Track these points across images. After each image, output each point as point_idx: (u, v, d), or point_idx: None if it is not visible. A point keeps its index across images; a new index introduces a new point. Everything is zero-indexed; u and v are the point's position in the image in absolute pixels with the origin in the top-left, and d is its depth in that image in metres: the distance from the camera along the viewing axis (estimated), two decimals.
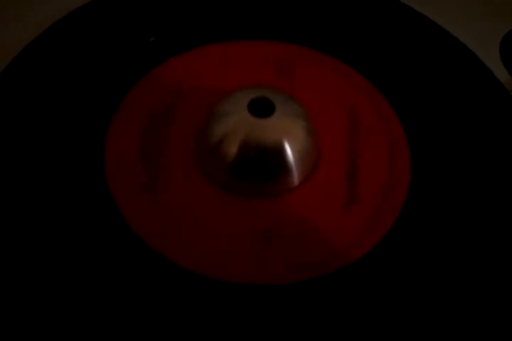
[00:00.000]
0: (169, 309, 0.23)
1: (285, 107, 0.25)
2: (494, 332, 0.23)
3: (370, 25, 0.30)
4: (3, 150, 0.26)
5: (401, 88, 0.28)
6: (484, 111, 0.28)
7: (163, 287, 0.24)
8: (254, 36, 0.29)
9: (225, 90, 0.26)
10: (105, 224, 0.24)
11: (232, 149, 0.25)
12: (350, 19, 0.30)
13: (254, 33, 0.29)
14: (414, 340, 0.23)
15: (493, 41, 0.30)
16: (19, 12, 0.30)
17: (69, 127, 0.26)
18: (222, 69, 0.28)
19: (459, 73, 0.29)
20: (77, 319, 0.23)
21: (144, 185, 0.25)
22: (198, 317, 0.23)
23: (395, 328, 0.23)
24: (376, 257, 0.24)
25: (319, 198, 0.25)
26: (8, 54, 0.28)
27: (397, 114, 0.27)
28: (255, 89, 0.25)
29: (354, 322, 0.23)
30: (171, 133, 0.26)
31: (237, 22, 0.30)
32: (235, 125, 0.25)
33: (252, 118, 0.24)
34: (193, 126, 0.26)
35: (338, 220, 0.25)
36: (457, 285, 0.24)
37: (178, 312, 0.23)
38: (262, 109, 0.25)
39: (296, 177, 0.25)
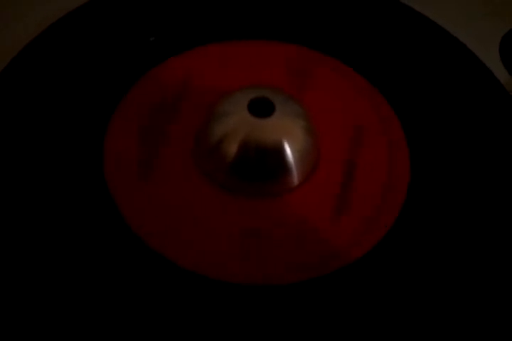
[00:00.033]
0: (169, 309, 0.23)
1: (285, 107, 0.25)
2: (494, 332, 0.23)
3: (370, 25, 0.30)
4: (3, 150, 0.26)
5: (401, 88, 0.28)
6: (484, 111, 0.28)
7: (163, 287, 0.24)
8: (254, 36, 0.29)
9: (225, 90, 0.26)
10: (105, 224, 0.24)
11: (232, 149, 0.25)
12: (350, 19, 0.30)
13: (254, 32, 0.29)
14: (414, 340, 0.23)
15: (493, 41, 0.30)
16: (19, 12, 0.30)
17: (68, 127, 0.26)
18: (222, 69, 0.28)
19: (459, 73, 0.29)
20: (77, 319, 0.23)
21: (144, 185, 0.25)
22: (198, 317, 0.23)
23: (394, 328, 0.23)
24: (376, 257, 0.24)
25: (319, 198, 0.25)
26: (7, 54, 0.28)
27: (396, 114, 0.27)
28: (255, 89, 0.25)
29: (354, 322, 0.23)
30: (170, 132, 0.26)
31: (236, 22, 0.30)
32: (235, 125, 0.25)
33: (252, 118, 0.24)
34: (193, 126, 0.26)
35: (338, 220, 0.25)
36: (457, 285, 0.24)
37: (178, 312, 0.23)
38: (261, 109, 0.25)
39: (295, 177, 0.25)
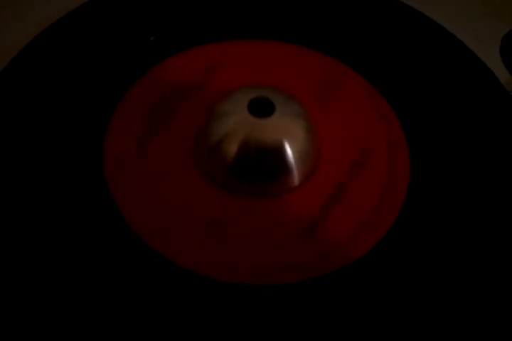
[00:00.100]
0: (169, 309, 0.23)
1: (285, 107, 0.25)
2: (494, 332, 0.23)
3: (371, 25, 0.30)
4: (3, 150, 0.26)
5: (401, 88, 0.28)
6: (484, 112, 0.28)
7: (163, 287, 0.24)
8: (253, 36, 0.29)
9: (225, 90, 0.26)
10: (105, 224, 0.24)
11: (232, 149, 0.25)
12: (350, 19, 0.30)
13: (254, 32, 0.29)
14: (414, 340, 0.23)
15: (494, 41, 0.30)
16: (19, 12, 0.30)
17: (68, 127, 0.26)
18: (222, 69, 0.28)
19: (460, 73, 0.29)
20: (77, 319, 0.23)
21: (144, 185, 0.25)
22: (198, 317, 0.23)
23: (394, 328, 0.23)
24: (376, 257, 0.24)
25: (319, 198, 0.25)
26: (7, 54, 0.28)
27: (396, 114, 0.27)
28: (255, 89, 0.25)
29: (354, 322, 0.23)
30: (170, 132, 0.26)
31: (236, 21, 0.30)
32: (235, 125, 0.25)
33: (252, 118, 0.24)
34: (193, 126, 0.26)
35: (338, 220, 0.25)
36: (457, 285, 0.24)
37: (178, 313, 0.23)
38: (261, 108, 0.25)
39: (296, 178, 0.25)
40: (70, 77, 0.28)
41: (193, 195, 0.25)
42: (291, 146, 0.25)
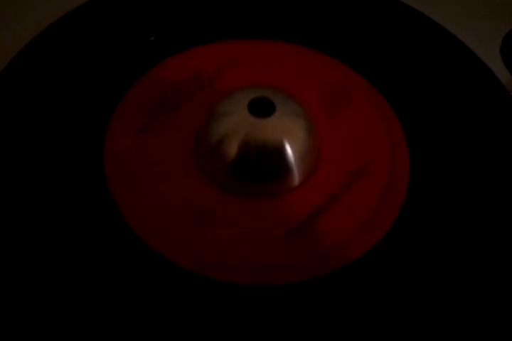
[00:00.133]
0: (169, 309, 0.23)
1: (285, 107, 0.25)
2: (494, 332, 0.23)
3: (371, 25, 0.30)
4: (3, 150, 0.26)
5: (401, 88, 0.28)
6: (484, 112, 0.28)
7: (163, 287, 0.23)
8: (253, 35, 0.29)
9: (225, 90, 0.26)
10: (105, 224, 0.24)
11: (232, 149, 0.25)
12: (350, 19, 0.30)
13: (253, 32, 0.29)
14: (414, 340, 0.23)
15: (494, 41, 0.30)
16: (19, 12, 0.30)
17: (68, 127, 0.26)
18: (222, 69, 0.28)
19: (460, 73, 0.29)
20: (77, 319, 0.23)
21: (144, 184, 0.25)
22: (198, 317, 0.23)
23: (394, 328, 0.23)
24: (376, 257, 0.24)
25: (319, 198, 0.25)
26: (7, 54, 0.28)
27: (396, 114, 0.27)
28: (255, 89, 0.25)
29: (354, 322, 0.23)
30: (170, 132, 0.26)
31: (236, 21, 0.30)
32: (235, 125, 0.25)
33: (252, 118, 0.24)
34: (193, 126, 0.26)
35: (339, 220, 0.25)
36: (457, 284, 0.24)
37: (178, 313, 0.23)
38: (262, 108, 0.25)
39: (296, 177, 0.25)
40: (69, 77, 0.28)
41: (193, 195, 0.25)
42: (291, 146, 0.25)
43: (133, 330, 0.23)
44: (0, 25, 0.29)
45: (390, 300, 0.24)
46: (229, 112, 0.25)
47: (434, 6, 0.31)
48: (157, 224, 0.24)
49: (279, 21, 0.30)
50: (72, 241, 0.24)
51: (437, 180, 0.26)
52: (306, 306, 0.23)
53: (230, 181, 0.25)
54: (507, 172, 0.27)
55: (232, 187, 0.25)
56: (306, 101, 0.26)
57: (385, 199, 0.25)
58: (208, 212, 0.25)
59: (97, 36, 0.29)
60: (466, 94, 0.28)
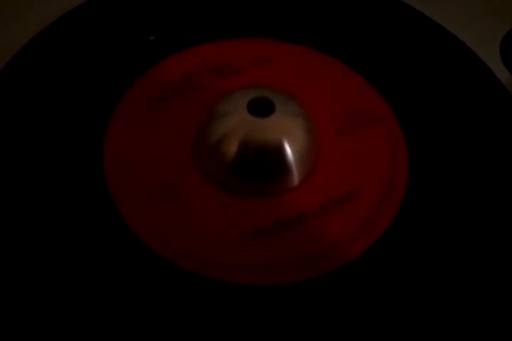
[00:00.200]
0: (169, 309, 0.23)
1: (285, 107, 0.25)
2: (494, 332, 0.23)
3: (371, 25, 0.30)
4: (3, 150, 0.26)
5: (400, 88, 0.28)
6: (484, 112, 0.28)
7: (162, 287, 0.23)
8: (252, 35, 0.29)
9: (225, 90, 0.26)
10: (104, 224, 0.24)
11: (232, 149, 0.25)
12: (350, 19, 0.30)
13: (253, 31, 0.29)
14: (414, 340, 0.23)
15: (494, 41, 0.30)
16: (19, 12, 0.30)
17: (67, 127, 0.26)
18: (221, 69, 0.28)
19: (460, 73, 0.29)
20: (76, 319, 0.23)
21: (143, 184, 0.25)
22: (198, 317, 0.23)
23: (394, 327, 0.23)
24: (375, 256, 0.24)
25: (319, 198, 0.25)
26: (7, 54, 0.28)
27: (396, 114, 0.27)
28: (255, 88, 0.25)
29: (354, 322, 0.23)
30: (170, 132, 0.26)
31: (236, 21, 0.30)
32: (235, 125, 0.25)
33: (251, 118, 0.24)
34: (193, 126, 0.26)
35: (339, 220, 0.25)
36: (457, 284, 0.24)
37: (178, 313, 0.23)
38: (261, 108, 0.25)
39: (296, 177, 0.25)
40: (69, 76, 0.28)
41: (193, 195, 0.25)
42: (290, 146, 0.25)
43: (133, 330, 0.23)
44: (0, 25, 0.29)
45: (390, 299, 0.24)
46: (228, 112, 0.25)
47: (434, 6, 0.31)
48: (157, 224, 0.24)
49: (279, 21, 0.30)
50: (72, 241, 0.24)
51: (437, 179, 0.26)
52: (306, 306, 0.23)
53: (230, 181, 0.25)
54: (507, 172, 0.26)
55: (232, 187, 0.25)
56: (306, 102, 0.26)
57: (384, 198, 0.25)
58: (207, 211, 0.25)
59: (96, 36, 0.29)
60: (466, 94, 0.28)
